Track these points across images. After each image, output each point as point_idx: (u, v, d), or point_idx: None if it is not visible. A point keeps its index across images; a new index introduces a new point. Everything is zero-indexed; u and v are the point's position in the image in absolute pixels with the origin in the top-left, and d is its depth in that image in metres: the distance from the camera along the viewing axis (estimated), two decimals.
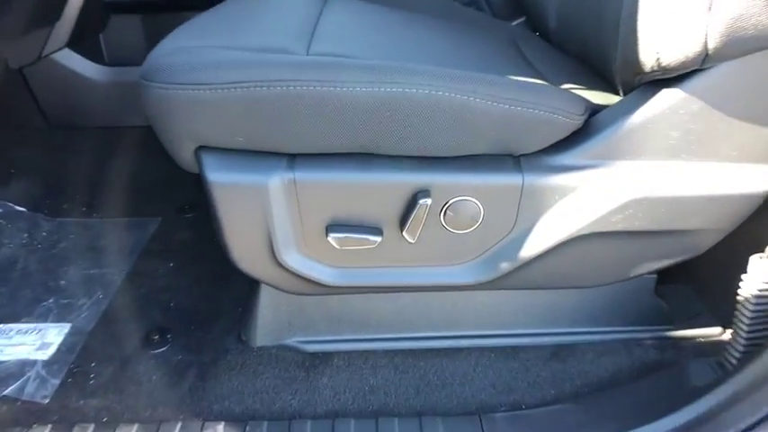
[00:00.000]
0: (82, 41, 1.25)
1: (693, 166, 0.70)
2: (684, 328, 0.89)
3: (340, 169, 0.67)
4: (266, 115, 0.62)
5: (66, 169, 1.37)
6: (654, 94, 0.67)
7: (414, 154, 0.67)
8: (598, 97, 0.76)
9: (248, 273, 0.74)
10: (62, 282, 1.07)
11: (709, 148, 0.69)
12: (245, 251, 0.71)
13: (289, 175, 0.66)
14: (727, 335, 0.88)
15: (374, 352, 0.85)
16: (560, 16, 0.99)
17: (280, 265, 0.71)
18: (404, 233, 0.69)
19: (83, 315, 0.99)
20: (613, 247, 0.75)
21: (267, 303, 0.83)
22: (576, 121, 0.68)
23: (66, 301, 1.02)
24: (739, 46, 0.60)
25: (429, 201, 0.67)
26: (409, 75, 0.63)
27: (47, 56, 1.24)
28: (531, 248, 0.72)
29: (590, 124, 0.70)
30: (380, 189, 0.68)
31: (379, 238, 0.70)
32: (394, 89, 0.62)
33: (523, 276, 0.76)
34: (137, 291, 1.03)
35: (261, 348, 0.86)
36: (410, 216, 0.68)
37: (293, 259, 0.72)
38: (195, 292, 1.02)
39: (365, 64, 0.64)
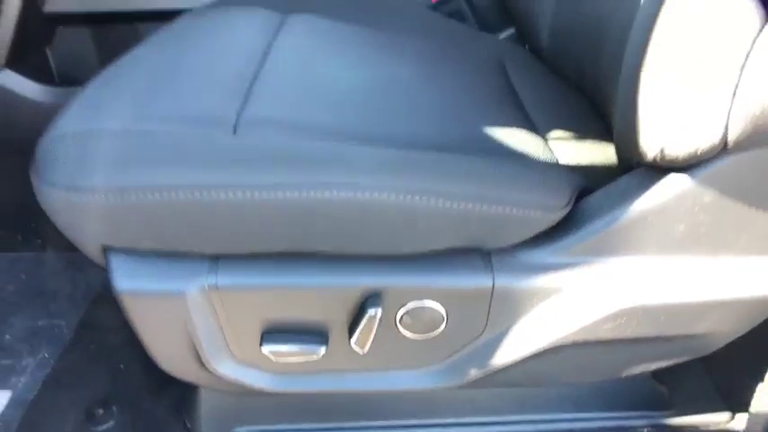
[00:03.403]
0: (25, 59, 1.11)
1: (702, 263, 0.58)
2: (687, 413, 0.78)
3: (271, 273, 0.56)
4: (175, 220, 0.51)
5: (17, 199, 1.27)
6: (657, 178, 0.54)
7: (358, 255, 0.56)
8: (593, 153, 0.64)
9: (181, 378, 0.64)
10: (6, 337, 0.98)
11: (723, 242, 0.57)
12: (171, 359, 0.62)
13: (211, 281, 0.55)
14: (738, 422, 0.77)
15: None
16: (553, 32, 0.85)
17: (212, 372, 0.62)
18: (352, 343, 0.58)
19: (24, 381, 0.90)
20: (603, 352, 0.64)
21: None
22: (556, 216, 0.56)
23: (8, 361, 0.94)
24: (765, 137, 0.47)
25: (378, 311, 0.56)
26: (345, 170, 0.51)
27: None
28: (505, 354, 0.61)
29: (577, 211, 0.58)
30: (320, 294, 0.57)
31: (322, 349, 0.59)
32: (325, 194, 0.50)
33: (498, 378, 0.65)
34: (85, 348, 0.95)
35: None
36: (358, 326, 0.57)
37: (225, 367, 0.62)
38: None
39: (291, 154, 0.52)
